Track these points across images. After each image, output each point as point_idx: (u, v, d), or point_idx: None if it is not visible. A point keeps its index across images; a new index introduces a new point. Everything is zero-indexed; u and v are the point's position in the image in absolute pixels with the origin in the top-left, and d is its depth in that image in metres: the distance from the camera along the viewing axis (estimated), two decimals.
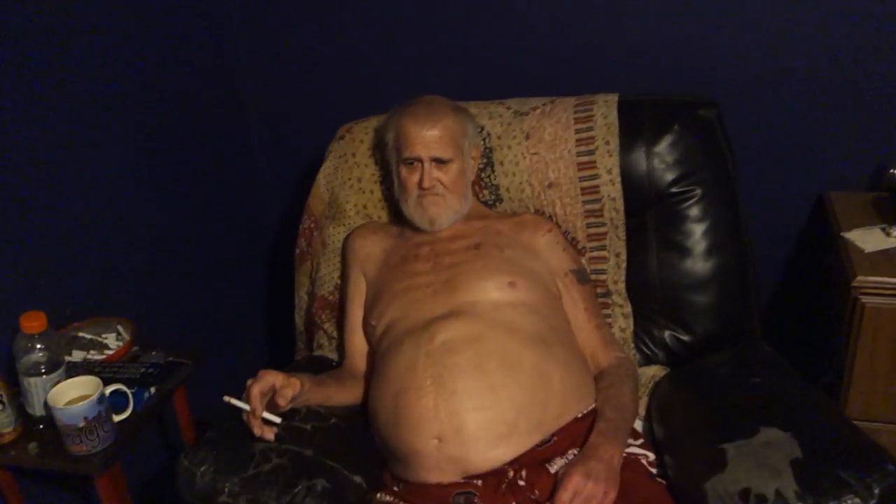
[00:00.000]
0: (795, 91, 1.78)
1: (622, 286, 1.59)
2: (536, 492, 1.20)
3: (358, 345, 1.54)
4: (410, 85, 1.85)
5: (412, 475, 1.27)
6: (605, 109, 1.58)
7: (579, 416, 1.32)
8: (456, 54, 1.96)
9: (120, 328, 1.59)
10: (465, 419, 1.22)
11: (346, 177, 1.71)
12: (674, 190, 1.56)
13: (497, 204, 1.64)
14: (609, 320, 1.59)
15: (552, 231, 1.51)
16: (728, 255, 1.55)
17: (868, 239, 1.57)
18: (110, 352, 1.53)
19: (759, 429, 1.17)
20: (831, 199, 1.78)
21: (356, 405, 1.47)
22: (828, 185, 1.83)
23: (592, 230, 1.59)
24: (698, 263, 1.56)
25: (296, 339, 1.85)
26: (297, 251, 1.79)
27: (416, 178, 1.46)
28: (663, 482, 1.28)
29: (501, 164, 1.62)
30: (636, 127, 1.57)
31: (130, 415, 1.36)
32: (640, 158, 1.57)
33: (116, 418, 1.33)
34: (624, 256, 1.58)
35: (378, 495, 1.30)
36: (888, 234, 1.58)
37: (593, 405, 1.35)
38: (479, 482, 1.22)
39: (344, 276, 1.64)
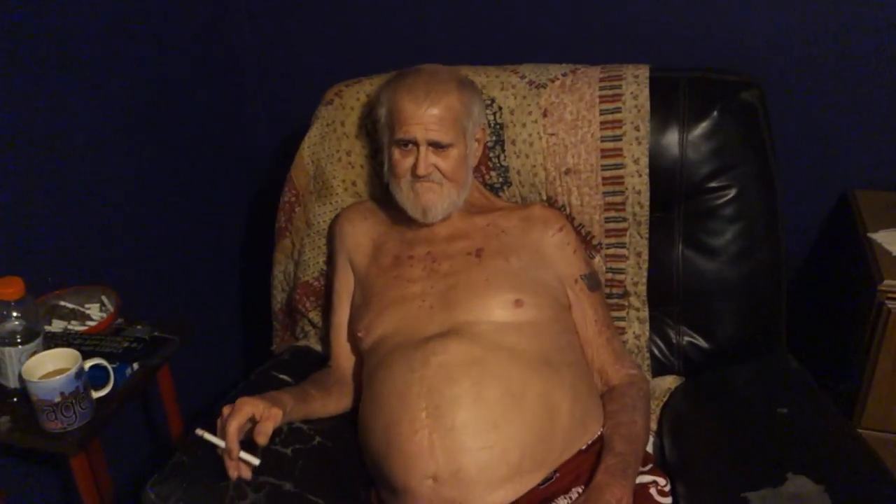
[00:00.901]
0: (827, 78, 1.62)
1: (643, 288, 1.43)
2: None
3: (345, 345, 1.38)
4: (411, 42, 1.64)
5: None
6: (636, 88, 1.38)
7: (584, 447, 1.19)
8: (464, 9, 1.72)
9: (104, 298, 1.48)
10: (464, 460, 1.08)
11: (333, 148, 1.50)
12: (708, 185, 1.38)
13: (505, 188, 1.45)
14: (622, 324, 1.44)
15: (563, 229, 1.32)
16: (761, 260, 1.39)
17: None
18: (93, 323, 1.43)
19: (786, 476, 1.06)
20: (856, 197, 1.64)
21: (345, 414, 1.32)
22: (852, 182, 1.68)
23: (611, 225, 1.42)
24: (728, 267, 1.40)
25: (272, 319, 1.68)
26: (277, 226, 1.59)
27: (409, 162, 1.26)
28: None
29: (513, 143, 1.42)
30: (669, 109, 1.38)
31: (111, 391, 1.27)
32: (671, 146, 1.38)
33: (95, 395, 1.25)
34: (646, 256, 1.41)
35: None
36: None
37: (600, 432, 1.22)
38: None
39: (331, 263, 1.46)
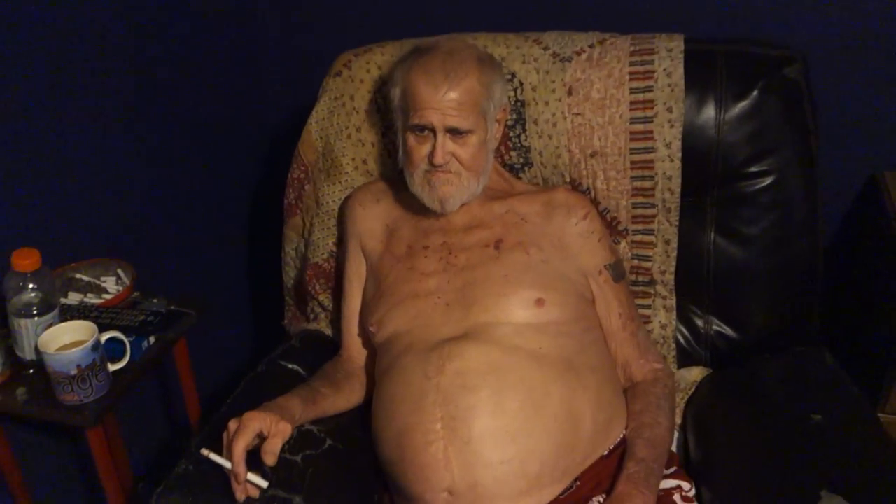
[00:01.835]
0: (862, 53, 1.50)
1: (671, 277, 1.35)
2: None
3: (357, 337, 1.33)
4: (425, 5, 1.50)
5: None
6: (669, 64, 1.26)
7: (606, 453, 1.14)
8: None
9: (120, 272, 1.48)
10: (481, 475, 1.03)
11: (342, 125, 1.41)
12: (746, 170, 1.28)
13: (526, 169, 1.36)
14: (647, 312, 1.37)
15: (588, 217, 1.23)
16: (798, 250, 1.31)
17: None
18: (109, 296, 1.42)
19: (820, 494, 1.00)
20: (886, 179, 1.54)
21: (357, 409, 1.28)
22: (881, 164, 1.57)
23: (639, 211, 1.33)
24: (763, 256, 1.32)
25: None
26: (286, 202, 1.52)
27: (425, 150, 1.17)
28: None
29: (535, 122, 1.33)
30: (705, 87, 1.27)
31: (127, 364, 1.26)
32: (706, 127, 1.28)
33: (112, 367, 1.24)
34: (675, 244, 1.33)
35: None
36: None
37: (622, 434, 1.16)
38: None
39: (341, 247, 1.39)
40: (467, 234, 1.22)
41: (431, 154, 1.16)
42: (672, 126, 1.26)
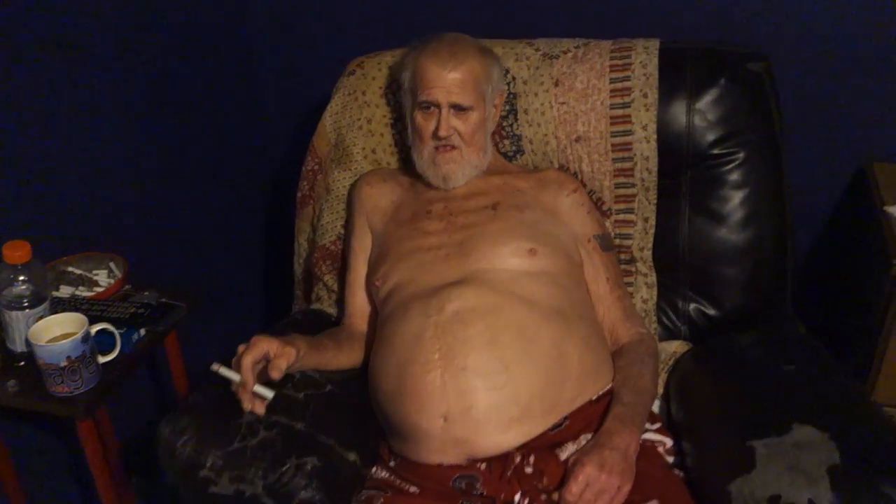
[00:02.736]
0: (843, 48, 1.61)
1: (648, 254, 1.46)
2: (545, 480, 1.11)
3: (360, 304, 1.43)
4: (430, 18, 1.69)
5: (412, 453, 1.18)
6: (645, 57, 1.42)
7: (594, 398, 1.22)
8: None
9: (112, 265, 1.50)
10: (474, 399, 1.12)
11: (354, 117, 1.57)
12: (714, 151, 1.41)
13: (518, 156, 1.50)
14: (630, 290, 1.47)
15: (577, 191, 1.37)
16: (767, 226, 1.42)
17: None
18: (100, 289, 1.44)
19: (791, 426, 1.06)
20: (874, 171, 1.64)
21: (355, 369, 1.37)
22: (869, 157, 1.68)
23: (621, 191, 1.46)
24: (734, 233, 1.43)
25: (294, 287, 1.74)
26: (299, 194, 1.66)
27: (432, 125, 1.32)
28: (680, 474, 1.19)
29: (526, 112, 1.48)
30: (677, 79, 1.42)
31: (117, 356, 1.27)
32: (678, 114, 1.42)
33: (102, 359, 1.25)
34: (653, 222, 1.45)
35: (374, 470, 1.22)
36: None
37: (610, 385, 1.25)
38: (483, 466, 1.13)
39: (348, 225, 1.52)
40: (467, 201, 1.36)
41: (437, 129, 1.31)
42: (647, 110, 1.41)
